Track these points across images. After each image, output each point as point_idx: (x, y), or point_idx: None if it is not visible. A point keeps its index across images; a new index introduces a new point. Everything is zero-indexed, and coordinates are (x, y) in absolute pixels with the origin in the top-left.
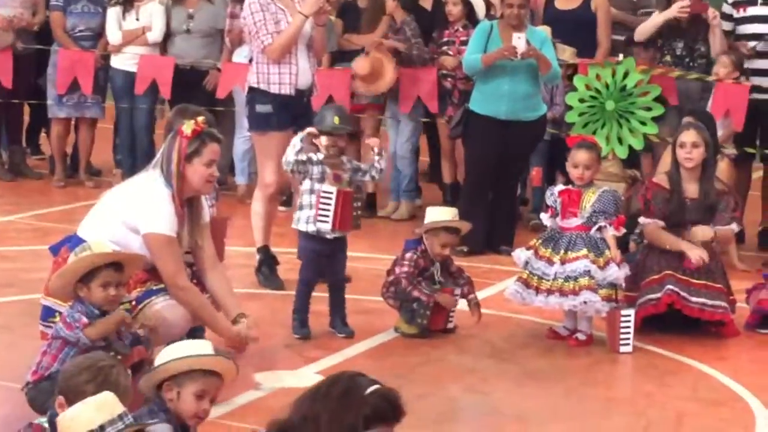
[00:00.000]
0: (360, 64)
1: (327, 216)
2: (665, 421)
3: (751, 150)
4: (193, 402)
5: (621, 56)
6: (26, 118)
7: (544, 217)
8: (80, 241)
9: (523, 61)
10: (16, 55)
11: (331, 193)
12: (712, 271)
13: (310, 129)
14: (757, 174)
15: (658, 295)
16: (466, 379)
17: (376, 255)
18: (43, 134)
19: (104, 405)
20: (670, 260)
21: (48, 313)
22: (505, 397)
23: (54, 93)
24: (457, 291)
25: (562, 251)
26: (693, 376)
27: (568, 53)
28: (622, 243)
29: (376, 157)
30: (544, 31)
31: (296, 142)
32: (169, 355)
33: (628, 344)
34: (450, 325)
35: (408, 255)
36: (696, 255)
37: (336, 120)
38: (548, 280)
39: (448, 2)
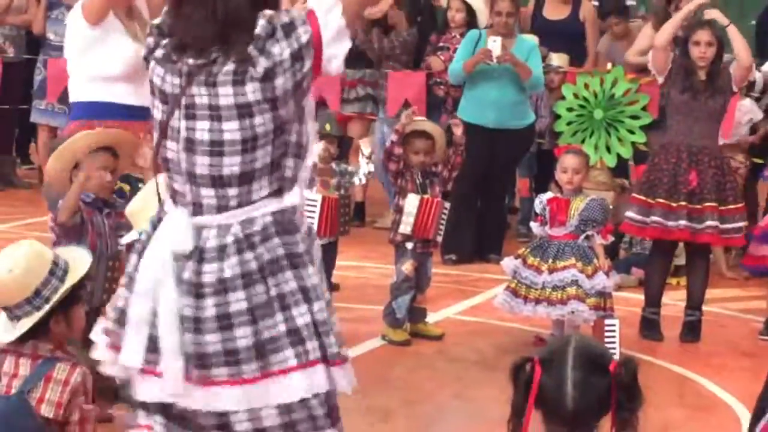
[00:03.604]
0: None
1: (311, 224)
2: (651, 429)
3: (758, 160)
4: (99, 177)
5: (610, 65)
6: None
7: (534, 225)
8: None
9: (510, 69)
10: (6, 62)
11: (316, 200)
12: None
13: None
14: None
15: (670, 224)
16: (453, 386)
17: (364, 264)
18: (33, 144)
19: (27, 273)
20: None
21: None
22: (492, 403)
23: (39, 100)
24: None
25: (550, 260)
26: (679, 383)
27: (562, 59)
28: (611, 251)
29: (365, 160)
30: (533, 39)
31: None
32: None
33: (614, 353)
34: (439, 238)
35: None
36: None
37: (327, 127)
38: (536, 289)
39: (452, 8)
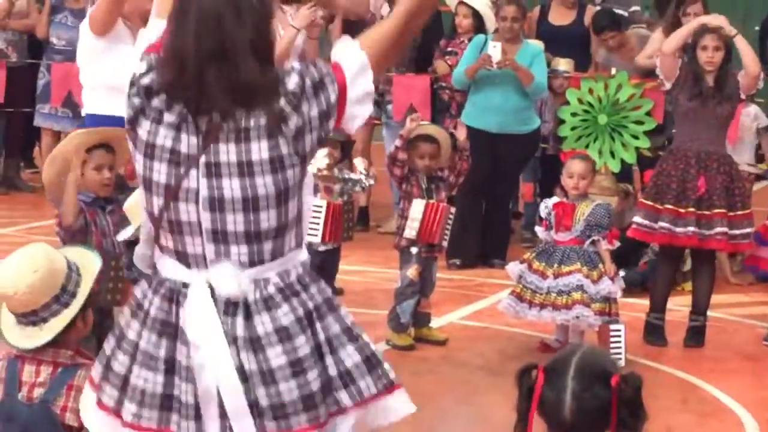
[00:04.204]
0: None
1: (316, 229)
2: None
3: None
4: (96, 175)
5: (614, 70)
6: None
7: (539, 230)
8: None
9: (514, 75)
10: (9, 67)
11: (321, 206)
12: (734, 195)
13: None
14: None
15: (678, 230)
16: (458, 391)
17: (368, 268)
18: (37, 148)
19: (51, 270)
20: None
21: None
22: (496, 408)
23: (42, 104)
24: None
25: (555, 265)
26: (683, 388)
27: (569, 64)
28: (634, 256)
29: (363, 176)
30: (539, 45)
31: None
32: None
33: (619, 358)
34: (444, 243)
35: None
36: (711, 17)
37: None
38: (541, 294)
39: (459, 14)
